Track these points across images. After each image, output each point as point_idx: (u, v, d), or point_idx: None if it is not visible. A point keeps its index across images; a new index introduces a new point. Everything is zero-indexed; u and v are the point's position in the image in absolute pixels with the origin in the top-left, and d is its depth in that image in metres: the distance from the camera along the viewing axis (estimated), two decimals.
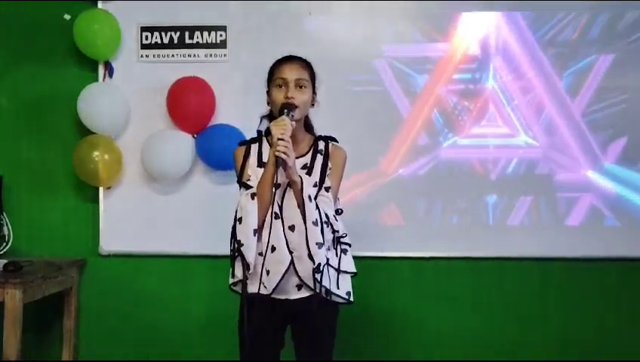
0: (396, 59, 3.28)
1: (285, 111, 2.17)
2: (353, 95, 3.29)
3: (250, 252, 2.16)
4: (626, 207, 3.26)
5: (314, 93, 2.30)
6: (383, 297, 3.31)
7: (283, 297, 2.23)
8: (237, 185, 2.29)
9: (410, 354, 3.30)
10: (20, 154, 3.40)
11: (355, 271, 2.32)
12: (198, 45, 3.31)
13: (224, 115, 3.27)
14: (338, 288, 2.25)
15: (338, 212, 2.31)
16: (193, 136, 3.24)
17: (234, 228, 2.21)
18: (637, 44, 3.24)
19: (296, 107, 2.19)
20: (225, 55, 3.31)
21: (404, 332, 3.32)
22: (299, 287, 2.23)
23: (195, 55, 3.32)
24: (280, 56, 2.31)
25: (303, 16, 3.30)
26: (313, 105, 2.32)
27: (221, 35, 3.32)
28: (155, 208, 3.31)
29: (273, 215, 2.16)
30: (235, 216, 2.21)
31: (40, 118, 3.40)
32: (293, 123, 2.17)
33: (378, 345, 3.31)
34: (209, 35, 3.31)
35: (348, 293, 2.29)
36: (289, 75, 2.23)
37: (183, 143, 3.20)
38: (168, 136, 3.22)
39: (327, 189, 2.25)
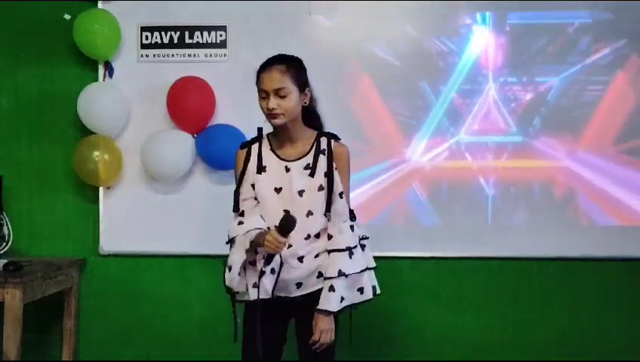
0: (396, 59, 3.29)
1: (286, 230, 2.08)
2: (352, 94, 3.28)
3: (234, 283, 2.21)
4: (627, 206, 3.26)
5: (304, 91, 2.24)
6: (383, 297, 3.30)
7: (283, 295, 2.25)
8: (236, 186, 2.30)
9: (410, 354, 3.30)
10: (20, 154, 3.40)
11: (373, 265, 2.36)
12: (198, 45, 3.31)
13: (224, 115, 3.26)
14: (362, 293, 2.30)
15: (352, 218, 2.29)
16: (193, 136, 3.24)
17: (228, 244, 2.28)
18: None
19: (294, 225, 2.07)
20: (225, 55, 3.31)
21: (404, 332, 3.32)
22: (298, 285, 2.25)
23: (195, 55, 3.32)
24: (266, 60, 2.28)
25: (303, 16, 3.30)
26: (306, 102, 2.26)
27: (221, 35, 3.31)
28: (155, 208, 3.31)
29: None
30: (228, 236, 2.26)
31: (40, 118, 3.40)
32: (288, 241, 2.10)
33: (378, 345, 3.31)
34: (209, 35, 3.31)
35: (373, 288, 2.36)
36: (268, 86, 2.19)
37: (183, 143, 3.20)
38: (168, 136, 3.22)
39: (340, 195, 2.24)
